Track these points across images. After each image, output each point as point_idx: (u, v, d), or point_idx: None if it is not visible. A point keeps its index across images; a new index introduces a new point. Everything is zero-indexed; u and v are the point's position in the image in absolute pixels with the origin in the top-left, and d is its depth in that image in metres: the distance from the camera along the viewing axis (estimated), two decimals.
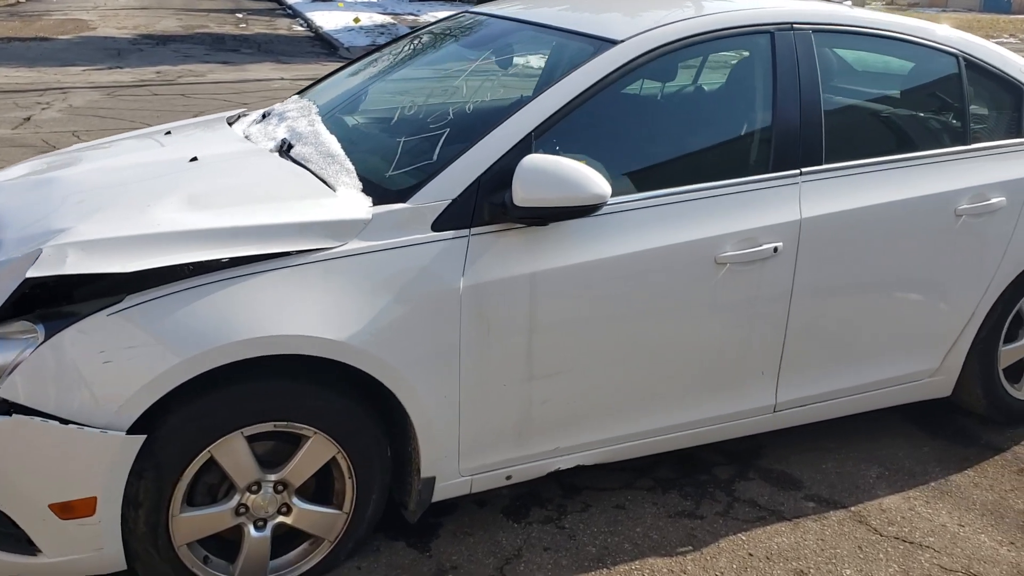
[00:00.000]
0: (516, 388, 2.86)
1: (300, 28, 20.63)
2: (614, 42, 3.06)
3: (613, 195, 2.90)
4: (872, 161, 3.32)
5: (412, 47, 3.83)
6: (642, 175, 3.06)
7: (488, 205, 2.75)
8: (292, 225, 2.59)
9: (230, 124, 3.71)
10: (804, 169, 3.19)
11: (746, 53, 3.34)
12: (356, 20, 19.19)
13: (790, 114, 3.18)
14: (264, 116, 3.71)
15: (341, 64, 4.08)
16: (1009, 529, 3.17)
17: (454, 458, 2.86)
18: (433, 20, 4.67)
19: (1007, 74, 3.63)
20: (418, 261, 2.67)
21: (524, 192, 2.68)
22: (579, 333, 2.89)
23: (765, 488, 3.36)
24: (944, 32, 3.56)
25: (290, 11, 23.89)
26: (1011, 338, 3.77)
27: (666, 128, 3.29)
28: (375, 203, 2.73)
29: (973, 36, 3.67)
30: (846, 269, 3.26)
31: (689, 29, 3.12)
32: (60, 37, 18.13)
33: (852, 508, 3.26)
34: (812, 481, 3.42)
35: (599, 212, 2.85)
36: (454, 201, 2.74)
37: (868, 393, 3.52)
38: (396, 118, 3.29)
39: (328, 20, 20.19)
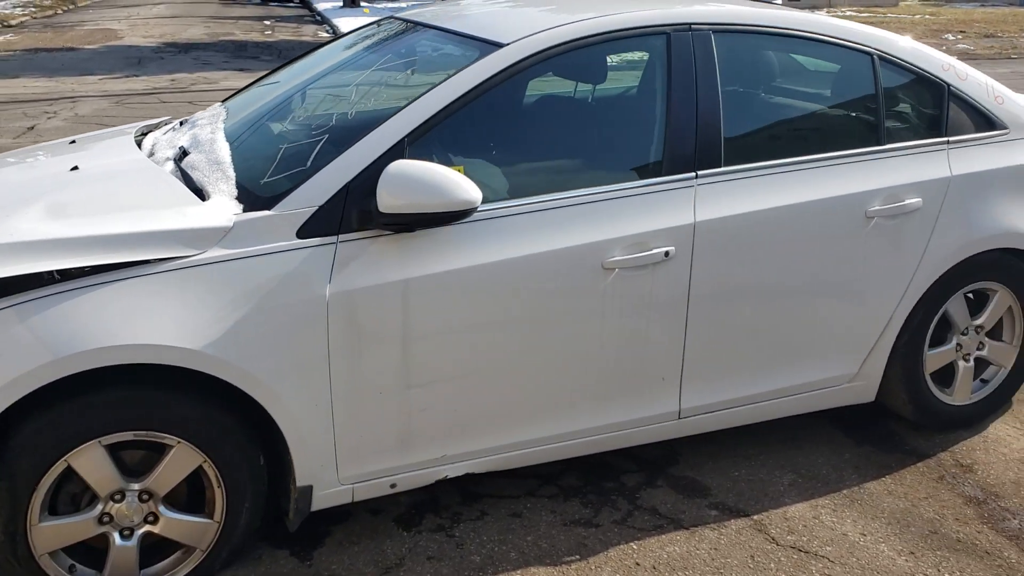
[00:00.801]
0: (394, 396, 2.85)
1: (325, 34, 20.79)
2: (499, 45, 3.04)
3: (496, 200, 2.89)
4: (776, 163, 3.25)
5: (327, 54, 3.83)
6: (528, 180, 3.03)
7: (357, 212, 2.74)
8: (150, 234, 2.60)
9: (145, 133, 3.74)
10: (700, 172, 3.14)
11: (642, 55, 3.29)
12: None
13: (685, 117, 3.13)
14: (181, 123, 3.74)
15: (268, 71, 4.09)
16: (912, 539, 3.09)
17: (332, 467, 2.85)
18: None
19: (928, 72, 3.54)
20: (281, 269, 2.67)
21: (389, 198, 2.67)
22: (457, 341, 2.87)
23: (670, 496, 3.31)
24: (860, 30, 3.48)
25: (318, 18, 24.10)
26: (938, 342, 3.67)
27: (556, 132, 3.25)
28: (247, 210, 2.74)
29: (893, 34, 3.59)
30: (750, 273, 3.20)
31: (579, 31, 3.08)
32: (86, 47, 18.46)
33: (755, 516, 3.20)
34: (720, 489, 3.36)
35: (477, 218, 2.84)
36: (321, 208, 2.73)
37: (782, 399, 3.45)
38: (285, 125, 3.29)
39: (352, 25, 20.31)
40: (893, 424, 3.82)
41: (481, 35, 3.16)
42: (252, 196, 2.80)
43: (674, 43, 3.17)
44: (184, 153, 3.22)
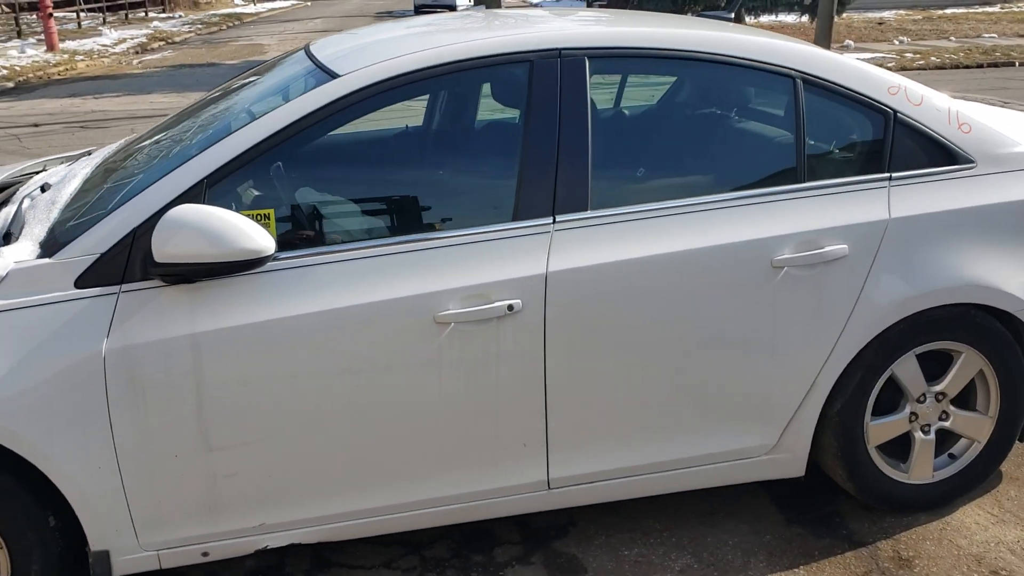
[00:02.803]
0: (192, 460, 2.63)
1: None
2: (335, 76, 2.77)
3: (311, 247, 2.63)
4: (658, 206, 2.85)
5: (228, 88, 3.65)
6: (355, 225, 2.76)
7: (143, 260, 2.54)
8: None
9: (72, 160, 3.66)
10: (560, 217, 2.77)
11: (502, 85, 2.95)
12: None
13: (543, 155, 2.78)
14: (88, 154, 3.65)
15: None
16: None
17: (129, 532, 2.66)
18: None
19: (866, 96, 3.03)
20: (55, 321, 2.49)
21: (164, 247, 2.46)
22: (260, 401, 2.62)
23: None
24: (779, 50, 3.01)
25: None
26: (888, 410, 3.15)
27: (391, 173, 2.95)
28: (40, 257, 2.58)
29: (825, 53, 3.09)
30: (625, 329, 2.81)
31: (423, 61, 2.78)
32: (227, 62, 19.20)
33: None
34: (600, 571, 2.97)
35: (282, 267, 2.60)
36: (103, 256, 2.54)
37: (680, 471, 3.03)
38: (126, 164, 3.12)
39: None
40: (841, 501, 3.31)
41: (329, 66, 2.90)
42: (52, 242, 2.64)
43: (536, 72, 2.82)
44: (43, 189, 3.11)
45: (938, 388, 3.15)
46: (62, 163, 3.73)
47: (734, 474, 3.09)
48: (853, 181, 2.98)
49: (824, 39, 15.11)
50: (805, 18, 19.92)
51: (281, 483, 2.72)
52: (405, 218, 2.79)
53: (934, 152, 3.06)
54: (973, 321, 3.08)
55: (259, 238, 2.47)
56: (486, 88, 3.20)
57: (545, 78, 2.82)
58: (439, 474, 2.83)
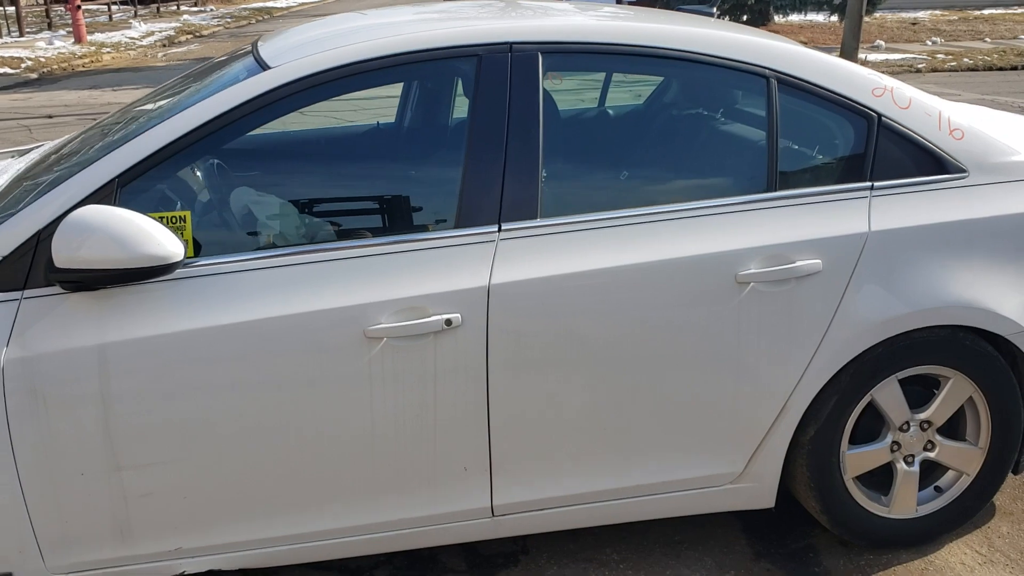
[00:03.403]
0: (101, 479, 2.45)
1: None
2: (265, 69, 2.58)
3: (234, 253, 2.45)
4: (615, 215, 2.63)
5: (171, 84, 3.46)
6: (280, 230, 2.57)
7: (45, 265, 2.36)
8: None
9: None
10: (506, 225, 2.56)
11: (447, 81, 2.74)
12: None
13: (489, 157, 2.57)
14: (36, 149, 3.48)
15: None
16: None
17: (35, 553, 2.49)
18: None
19: (848, 99, 2.79)
20: None
21: (64, 251, 2.28)
22: (173, 419, 2.43)
23: None
24: (754, 47, 2.78)
25: None
26: (868, 438, 2.91)
27: (325, 174, 2.75)
28: None
29: (804, 51, 2.86)
30: (576, 346, 2.60)
31: (359, 54, 2.58)
32: None
33: None
34: None
35: (199, 273, 2.42)
36: (4, 259, 2.37)
37: (637, 499, 2.81)
38: (49, 161, 2.94)
39: None
40: (817, 534, 3.07)
41: (265, 59, 2.70)
42: None
43: (485, 67, 2.61)
44: None
45: (923, 416, 2.91)
46: (12, 157, 3.56)
47: (697, 503, 2.87)
48: (830, 190, 2.75)
49: (852, 39, 14.76)
50: (835, 18, 19.52)
51: (198, 505, 2.53)
52: (337, 224, 2.59)
53: (922, 160, 2.81)
54: (962, 345, 2.83)
55: (167, 243, 2.28)
56: (434, 84, 2.99)
57: (493, 74, 2.61)
58: (373, 498, 2.63)
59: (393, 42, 2.60)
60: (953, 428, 2.98)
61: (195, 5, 34.92)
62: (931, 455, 2.95)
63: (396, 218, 2.62)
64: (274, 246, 2.52)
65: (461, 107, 2.74)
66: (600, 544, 3.01)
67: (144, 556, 2.56)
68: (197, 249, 2.49)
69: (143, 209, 2.41)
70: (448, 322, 2.48)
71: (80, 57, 18.90)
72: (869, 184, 2.76)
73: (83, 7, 21.55)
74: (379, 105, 3.32)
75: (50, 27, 23.81)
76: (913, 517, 2.99)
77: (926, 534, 3.02)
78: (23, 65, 17.35)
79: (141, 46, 21.82)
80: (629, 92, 3.26)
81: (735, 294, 2.64)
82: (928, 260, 2.75)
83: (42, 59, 18.17)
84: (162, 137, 2.45)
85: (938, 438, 2.95)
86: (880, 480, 2.97)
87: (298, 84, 2.52)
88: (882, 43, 17.81)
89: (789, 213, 2.70)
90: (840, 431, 2.84)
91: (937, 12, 24.23)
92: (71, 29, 21.58)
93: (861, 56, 15.38)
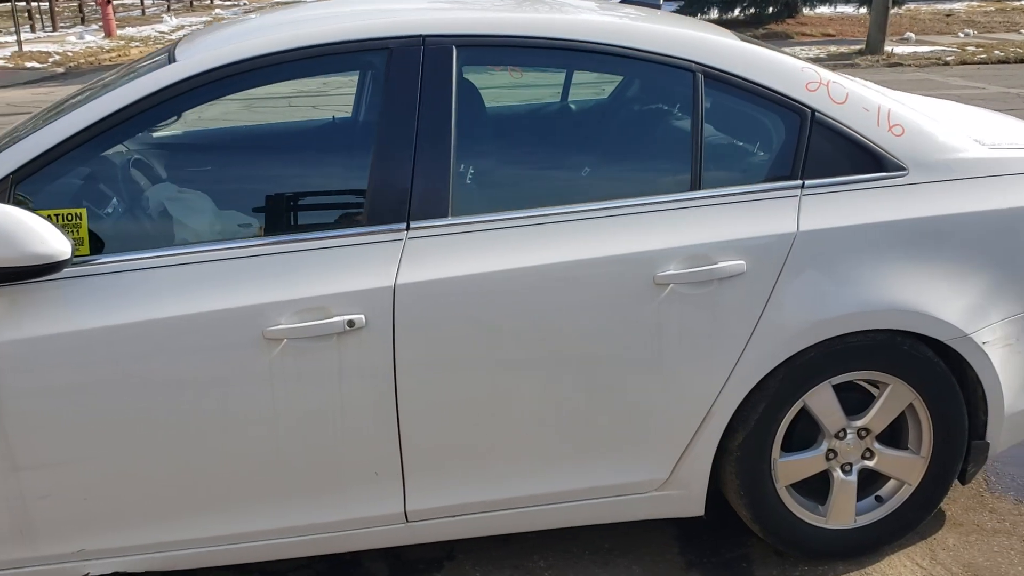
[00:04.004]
0: None
1: None
2: (173, 62, 2.54)
3: (130, 250, 2.41)
4: (528, 214, 2.56)
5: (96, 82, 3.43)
6: (179, 227, 2.52)
7: None
8: None
9: None
10: (414, 223, 2.50)
11: (358, 74, 2.68)
12: None
13: (398, 154, 2.50)
14: None
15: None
16: None
17: None
18: None
19: (780, 93, 2.69)
20: None
21: None
22: (66, 419, 2.40)
23: None
24: (679, 39, 2.68)
25: None
26: (803, 445, 2.81)
27: (228, 169, 2.70)
28: None
29: (736, 42, 2.76)
30: (488, 349, 2.53)
31: (263, 48, 2.52)
32: None
33: None
34: None
35: (92, 272, 2.37)
36: None
37: (557, 506, 2.73)
38: None
39: None
40: (753, 543, 2.98)
41: (176, 54, 2.66)
42: None
43: (395, 60, 2.54)
44: None
45: (860, 423, 2.80)
46: None
47: (622, 511, 2.79)
48: (757, 189, 2.65)
49: (878, 31, 14.50)
50: (864, 9, 19.18)
51: (100, 507, 2.50)
52: (239, 221, 2.54)
53: (858, 157, 2.70)
54: (900, 350, 2.72)
55: (52, 241, 2.24)
56: (348, 79, 2.93)
57: (405, 67, 2.54)
58: (283, 502, 2.58)
59: (300, 35, 2.54)
60: (897, 436, 2.87)
61: None
62: (870, 464, 2.85)
63: (304, 216, 2.56)
64: (175, 244, 2.47)
65: (373, 102, 2.67)
66: (528, 550, 2.94)
67: (47, 557, 2.53)
68: (100, 247, 2.45)
69: (44, 206, 2.38)
70: (351, 323, 2.42)
71: (108, 51, 19.08)
72: (799, 183, 2.66)
73: (114, 2, 21.75)
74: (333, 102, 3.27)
75: (83, 21, 24.08)
76: (852, 527, 2.89)
77: (865, 545, 2.91)
78: (50, 60, 17.56)
79: (170, 39, 21.98)
80: (595, 89, 3.17)
81: (654, 296, 2.56)
82: (862, 262, 2.64)
83: (70, 53, 18.37)
84: (59, 133, 2.41)
85: (877, 446, 2.84)
86: (817, 489, 2.87)
87: (200, 78, 2.47)
88: (912, 35, 17.49)
89: (712, 213, 2.60)
90: (771, 438, 2.75)
91: (973, 3, 23.75)
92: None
93: (888, 49, 15.12)
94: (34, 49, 18.54)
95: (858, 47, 15.36)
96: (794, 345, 2.64)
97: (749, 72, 2.68)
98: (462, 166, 2.55)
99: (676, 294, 2.56)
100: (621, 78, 2.88)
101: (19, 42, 18.75)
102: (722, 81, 2.67)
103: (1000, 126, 3.15)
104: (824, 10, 20.34)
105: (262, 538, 2.62)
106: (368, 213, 2.49)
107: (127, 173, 2.59)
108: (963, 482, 2.94)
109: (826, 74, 2.77)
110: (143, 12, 27.95)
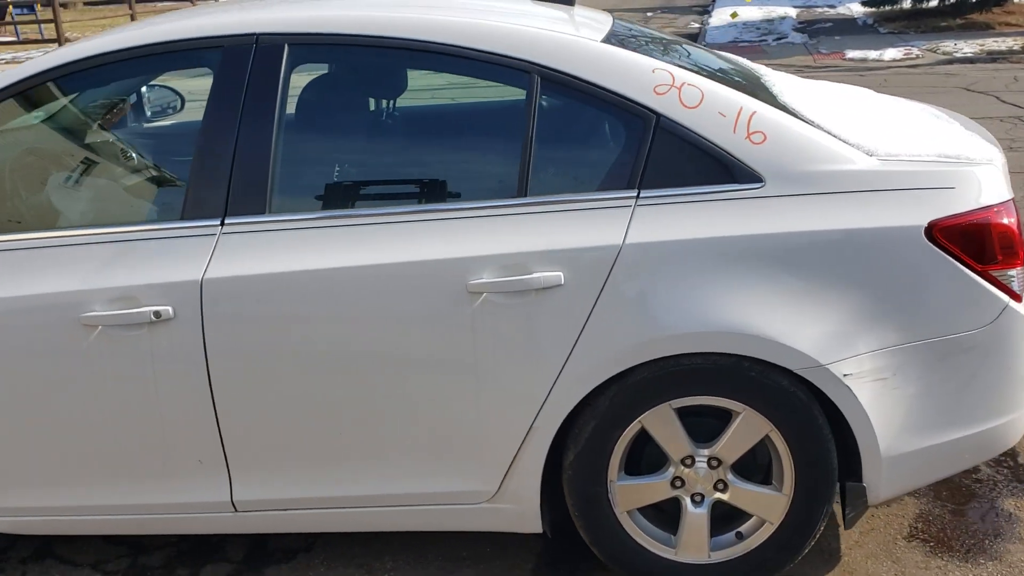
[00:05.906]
0: None
1: (695, 25, 20.17)
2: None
3: None
4: (347, 214, 2.56)
5: None
6: (24, 215, 2.68)
7: None
8: None
9: None
10: (229, 220, 2.55)
11: (196, 72, 2.74)
12: (733, 15, 18.30)
13: (218, 150, 2.56)
14: None
15: None
16: None
17: None
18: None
19: (623, 97, 2.53)
20: None
21: None
22: None
23: None
24: (519, 39, 2.57)
25: (708, 8, 23.42)
26: (650, 469, 2.66)
27: (57, 162, 2.81)
28: None
29: (580, 42, 2.62)
30: (300, 347, 2.55)
31: (97, 49, 2.65)
32: None
33: None
34: None
35: None
36: None
37: (386, 509, 2.72)
38: None
39: (723, 17, 19.51)
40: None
41: None
42: None
43: (226, 58, 2.60)
44: None
45: (709, 452, 2.61)
46: None
47: (452, 519, 2.73)
48: (586, 198, 2.52)
49: None
50: None
51: None
52: (59, 212, 2.67)
53: (707, 167, 2.52)
54: (747, 377, 2.51)
55: None
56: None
57: (234, 65, 2.59)
58: (111, 481, 2.71)
59: (137, 35, 2.64)
60: (768, 470, 2.66)
61: None
62: (723, 496, 2.65)
63: (134, 209, 2.66)
64: (12, 231, 2.62)
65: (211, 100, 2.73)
66: (382, 551, 2.94)
67: None
68: None
69: None
70: (157, 314, 2.51)
71: None
72: (635, 193, 2.51)
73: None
74: None
75: None
76: (706, 563, 2.70)
77: None
78: None
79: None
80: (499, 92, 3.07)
81: (468, 303, 2.49)
82: (699, 279, 2.46)
83: None
84: None
85: (730, 478, 2.64)
86: (672, 518, 2.70)
87: (33, 80, 2.62)
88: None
89: (534, 221, 2.50)
90: (605, 458, 2.61)
91: None
92: None
93: None
94: None
95: None
96: (623, 362, 2.50)
97: (590, 74, 2.55)
98: (283, 164, 2.57)
99: (491, 303, 2.48)
100: (446, 77, 2.79)
101: None
102: (560, 84, 2.55)
103: (937, 137, 2.80)
104: None
105: (88, 513, 2.75)
106: (185, 208, 2.56)
107: None
108: (847, 527, 2.69)
109: (685, 76, 2.58)
110: None
